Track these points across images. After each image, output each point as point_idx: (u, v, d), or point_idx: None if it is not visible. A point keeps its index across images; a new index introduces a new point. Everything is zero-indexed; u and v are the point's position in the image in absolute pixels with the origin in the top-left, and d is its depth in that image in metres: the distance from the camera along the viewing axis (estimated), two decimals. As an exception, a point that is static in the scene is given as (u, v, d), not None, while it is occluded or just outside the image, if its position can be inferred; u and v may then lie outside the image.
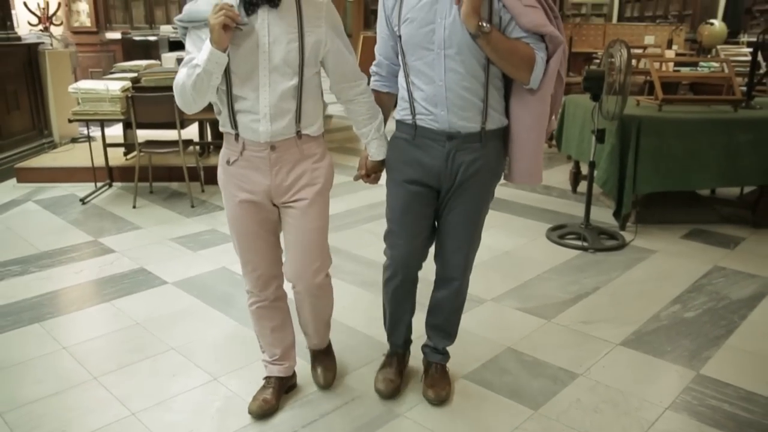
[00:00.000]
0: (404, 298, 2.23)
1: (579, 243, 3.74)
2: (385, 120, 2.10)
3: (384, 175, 2.15)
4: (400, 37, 1.91)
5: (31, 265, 3.42)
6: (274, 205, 1.99)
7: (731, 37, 8.49)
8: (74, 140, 6.14)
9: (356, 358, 2.52)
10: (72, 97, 6.01)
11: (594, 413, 2.16)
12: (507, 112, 1.98)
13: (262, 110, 1.83)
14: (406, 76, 1.95)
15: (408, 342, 2.38)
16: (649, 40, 8.66)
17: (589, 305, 2.98)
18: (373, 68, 2.09)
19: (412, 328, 2.36)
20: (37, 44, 5.77)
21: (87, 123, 4.65)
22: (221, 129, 1.94)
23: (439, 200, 2.05)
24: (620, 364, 2.47)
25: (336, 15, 1.90)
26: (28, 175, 5.04)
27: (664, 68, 5.51)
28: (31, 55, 5.62)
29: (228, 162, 1.95)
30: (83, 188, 4.82)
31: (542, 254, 3.62)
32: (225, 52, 1.74)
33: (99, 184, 4.87)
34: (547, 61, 1.85)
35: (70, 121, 4.48)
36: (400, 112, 2.02)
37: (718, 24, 8.11)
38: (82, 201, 4.56)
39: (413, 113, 1.96)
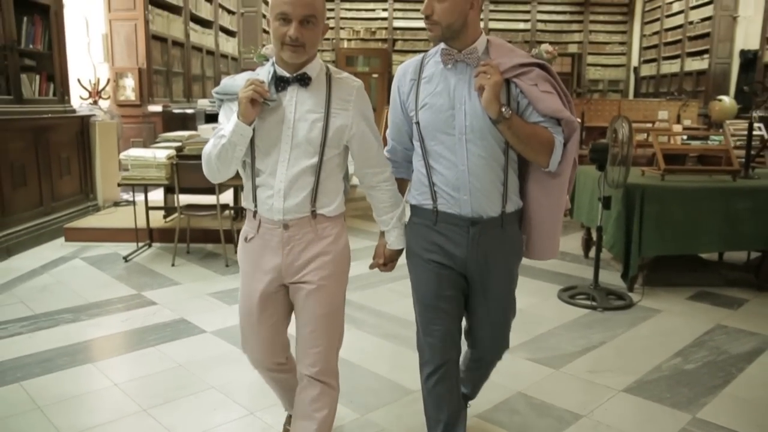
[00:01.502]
0: (450, 392, 2.08)
1: (588, 302, 3.98)
2: None
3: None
4: (418, 123, 1.93)
5: (82, 313, 3.74)
6: (286, 286, 1.95)
7: (744, 112, 8.85)
8: (116, 204, 6.58)
9: (379, 399, 2.75)
10: (115, 164, 6.55)
11: (595, 449, 2.37)
12: (522, 194, 2.00)
13: (277, 185, 1.84)
14: (425, 160, 1.94)
15: None
16: (662, 115, 9.06)
17: (595, 357, 3.20)
18: (386, 154, 2.06)
19: None
20: (89, 116, 6.29)
21: (133, 187, 5.05)
22: (243, 204, 1.97)
23: (467, 284, 2.02)
24: (622, 408, 2.68)
25: (366, 100, 1.92)
26: (75, 235, 5.45)
27: (672, 141, 5.86)
28: (83, 126, 6.13)
29: (246, 239, 1.96)
30: (125, 247, 5.18)
31: (553, 312, 3.86)
32: (250, 126, 1.78)
33: (140, 244, 5.24)
34: (564, 145, 1.89)
35: (119, 185, 4.91)
36: (417, 197, 2.00)
37: (728, 100, 8.49)
38: (125, 259, 4.91)
39: (434, 199, 1.94)
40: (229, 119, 1.84)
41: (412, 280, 2.07)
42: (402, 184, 2.09)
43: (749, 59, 10.54)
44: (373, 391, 2.83)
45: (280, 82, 1.82)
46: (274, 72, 1.84)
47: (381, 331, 3.54)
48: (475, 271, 1.97)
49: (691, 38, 11.95)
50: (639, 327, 3.62)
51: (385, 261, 2.09)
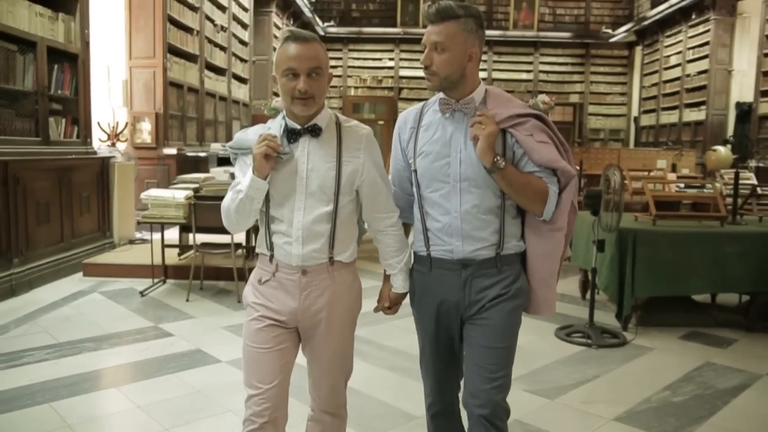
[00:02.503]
0: (451, 429, 2.17)
1: (584, 340, 4.17)
2: None
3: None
4: (415, 171, 1.97)
5: (103, 343, 3.95)
6: (297, 330, 1.98)
7: (741, 162, 9.14)
8: (131, 242, 6.83)
9: (384, 424, 2.94)
10: (131, 203, 6.83)
11: (586, 470, 2.55)
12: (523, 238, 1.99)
13: (295, 233, 1.87)
14: (421, 207, 1.98)
15: None
16: (661, 163, 9.36)
17: (588, 389, 3.39)
18: None
19: None
20: (109, 158, 6.61)
21: (151, 225, 5.31)
22: (257, 250, 1.99)
23: (462, 327, 2.01)
24: (612, 435, 2.87)
25: (375, 147, 1.97)
26: (93, 270, 5.69)
27: (666, 189, 6.11)
28: (103, 167, 6.43)
29: (260, 281, 1.96)
30: (141, 283, 5.40)
31: (550, 349, 4.05)
32: (266, 180, 1.83)
33: (155, 280, 5.47)
34: (560, 194, 1.90)
35: (139, 222, 5.17)
36: (416, 244, 2.04)
37: (723, 150, 8.79)
38: (141, 293, 5.14)
39: (427, 245, 1.97)
40: (244, 173, 1.90)
41: (415, 322, 2.12)
42: (405, 229, 2.11)
43: (744, 111, 10.92)
44: (380, 417, 3.02)
45: (291, 135, 1.88)
46: (286, 125, 1.89)
47: (386, 363, 3.73)
48: (468, 313, 1.96)
49: (688, 90, 12.36)
50: (631, 363, 3.81)
51: (390, 304, 2.11)
